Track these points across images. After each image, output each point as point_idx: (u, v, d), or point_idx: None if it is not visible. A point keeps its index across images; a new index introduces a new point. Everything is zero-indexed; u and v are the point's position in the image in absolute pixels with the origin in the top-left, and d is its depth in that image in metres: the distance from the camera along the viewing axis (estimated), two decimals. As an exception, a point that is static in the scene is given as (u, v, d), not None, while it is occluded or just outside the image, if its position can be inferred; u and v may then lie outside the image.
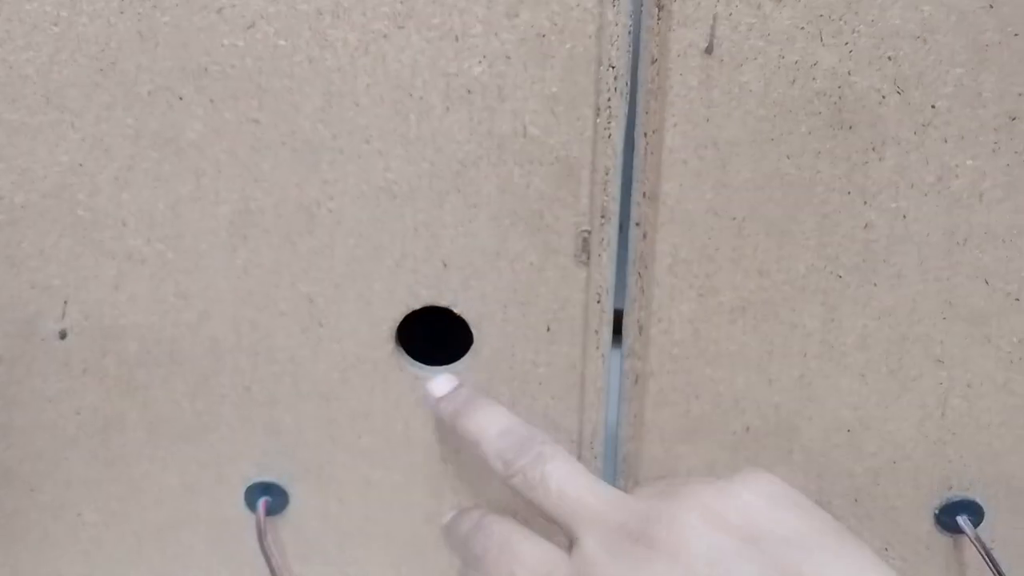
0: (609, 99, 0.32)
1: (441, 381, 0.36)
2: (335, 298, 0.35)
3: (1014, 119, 0.31)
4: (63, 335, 0.36)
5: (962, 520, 0.38)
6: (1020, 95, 0.31)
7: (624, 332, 0.37)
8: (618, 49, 0.31)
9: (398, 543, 0.41)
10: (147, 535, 0.40)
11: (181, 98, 0.32)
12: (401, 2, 0.30)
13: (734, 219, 0.34)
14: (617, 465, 0.39)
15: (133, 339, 0.36)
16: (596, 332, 0.36)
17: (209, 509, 0.40)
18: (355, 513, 0.40)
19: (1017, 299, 0.34)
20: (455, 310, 0.36)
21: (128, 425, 0.38)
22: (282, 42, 0.31)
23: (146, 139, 0.32)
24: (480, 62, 0.31)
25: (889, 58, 0.31)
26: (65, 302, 0.35)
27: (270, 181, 0.33)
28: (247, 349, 0.36)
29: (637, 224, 0.34)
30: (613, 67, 0.31)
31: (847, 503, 0.39)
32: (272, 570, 0.38)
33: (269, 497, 0.39)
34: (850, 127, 0.32)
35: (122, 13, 0.31)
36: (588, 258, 0.35)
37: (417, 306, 0.36)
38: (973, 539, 0.38)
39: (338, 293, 0.35)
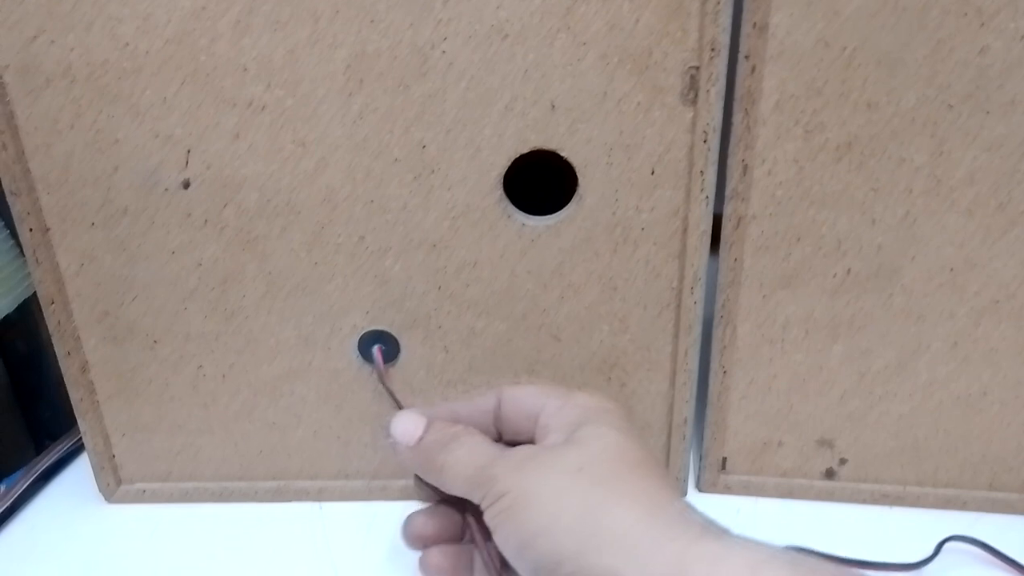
0: (722, -76, 0.32)
1: (408, 425, 0.33)
2: (446, 144, 0.36)
3: None
4: (186, 185, 0.37)
5: (1065, 360, 0.38)
6: None
7: (728, 173, 0.37)
8: None
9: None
10: (263, 387, 0.42)
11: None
12: None
13: (844, 49, 0.34)
14: (716, 311, 0.40)
15: (253, 189, 0.37)
16: (702, 173, 0.37)
17: (323, 360, 0.42)
18: (460, 363, 0.42)
19: None
20: (562, 154, 0.37)
21: (247, 277, 0.40)
22: None
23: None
24: None
25: None
26: (188, 151, 0.37)
27: (385, 22, 0.34)
28: (362, 197, 0.38)
29: (746, 57, 0.34)
30: None
31: (947, 347, 0.39)
32: (396, 403, 0.40)
33: (382, 345, 0.41)
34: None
35: None
36: (696, 96, 0.35)
37: (525, 150, 0.37)
38: (1075, 380, 0.38)
39: (449, 138, 0.36)
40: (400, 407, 0.39)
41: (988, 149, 0.35)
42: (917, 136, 0.35)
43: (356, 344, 0.41)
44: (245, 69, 0.35)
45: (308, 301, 0.40)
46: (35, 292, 0.40)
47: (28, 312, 0.49)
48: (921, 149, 0.35)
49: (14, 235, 0.43)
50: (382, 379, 0.40)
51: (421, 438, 0.33)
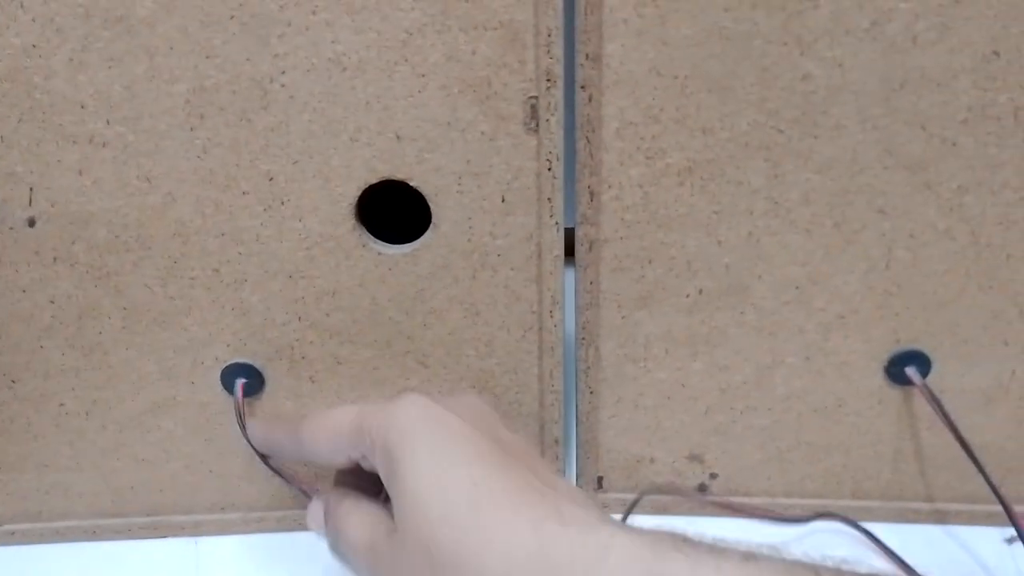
0: (547, -42, 0.32)
1: (316, 513, 0.36)
2: (294, 175, 0.36)
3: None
4: (31, 223, 0.37)
5: (911, 371, 0.39)
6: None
7: (576, 198, 0.38)
8: (554, -94, 0.32)
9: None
10: (129, 422, 0.42)
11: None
12: None
13: (676, 77, 0.35)
14: (577, 333, 0.41)
15: (101, 224, 0.37)
16: (549, 200, 0.37)
17: (187, 394, 0.41)
18: (327, 392, 0.42)
19: (955, 144, 0.35)
20: (411, 183, 0.37)
21: (103, 313, 0.39)
22: (223, -88, 0.32)
23: (97, 18, 0.33)
24: (419, -75, 0.32)
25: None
26: (31, 189, 0.36)
27: (221, 57, 0.34)
28: (213, 230, 0.37)
29: (583, 87, 0.35)
30: (549, -77, 0.32)
31: (800, 361, 0.40)
32: (255, 449, 0.40)
33: (245, 379, 0.40)
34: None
35: None
36: (537, 125, 0.36)
37: (374, 180, 0.37)
38: (922, 389, 0.39)
39: (297, 170, 0.36)
40: (260, 455, 0.39)
41: (819, 171, 0.36)
42: (752, 160, 0.36)
43: (219, 377, 0.41)
44: (83, 106, 0.35)
45: (167, 335, 0.40)
46: None
47: None
48: (757, 172, 0.36)
49: None
50: (239, 417, 0.39)
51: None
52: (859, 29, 0.33)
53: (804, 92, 0.34)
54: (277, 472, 0.39)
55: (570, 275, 0.40)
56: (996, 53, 0.33)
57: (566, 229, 0.38)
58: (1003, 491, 0.40)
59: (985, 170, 0.35)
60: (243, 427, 0.40)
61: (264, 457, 0.39)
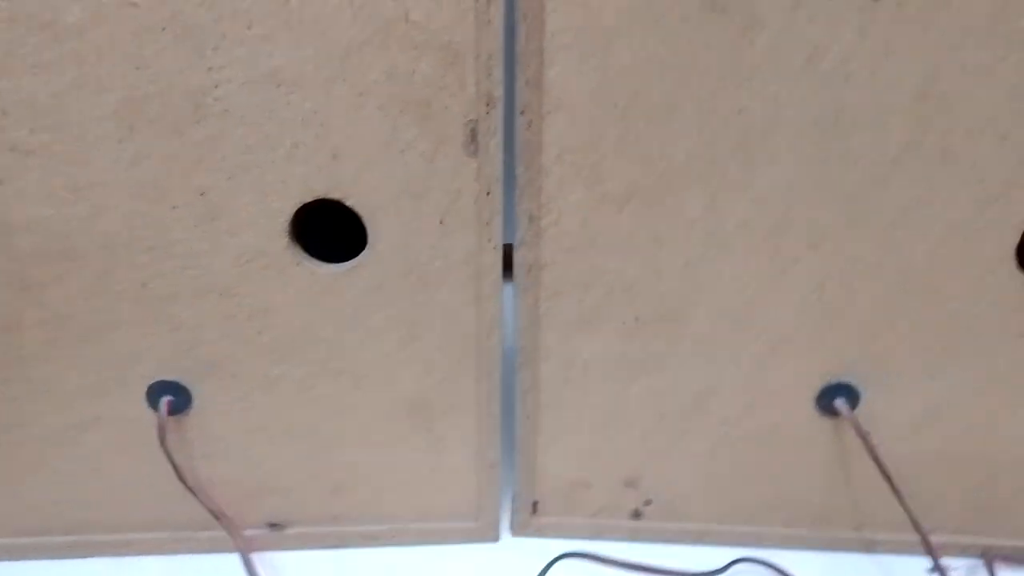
0: (488, -17, 0.32)
1: None
2: (228, 190, 0.36)
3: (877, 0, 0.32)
4: (-49, 231, 0.36)
5: (839, 403, 0.40)
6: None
7: (516, 222, 0.37)
8: (495, -69, 0.32)
9: (302, 438, 0.41)
10: (52, 438, 0.40)
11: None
12: None
13: (616, 106, 0.35)
14: (517, 354, 0.40)
15: (26, 234, 0.36)
16: (488, 223, 0.37)
17: (113, 410, 0.40)
18: (259, 410, 0.41)
19: (886, 180, 0.35)
20: (347, 203, 0.36)
21: (26, 325, 0.38)
22: (158, -78, 0.31)
23: (22, 23, 0.32)
24: (359, -56, 0.32)
25: (757, -60, 0.32)
26: (-48, 198, 0.35)
27: (154, 68, 0.33)
28: (142, 244, 0.36)
29: (522, 112, 0.35)
30: (490, -52, 0.32)
31: (734, 390, 0.41)
32: (174, 468, 0.39)
33: (172, 396, 0.39)
34: (722, 9, 0.33)
35: None
36: (477, 148, 0.35)
37: (310, 199, 0.36)
38: (850, 421, 0.40)
39: (231, 185, 0.36)
40: (178, 473, 0.38)
41: (755, 202, 0.36)
42: (690, 189, 0.36)
43: (145, 394, 0.40)
44: (5, 112, 0.33)
45: (93, 349, 0.38)
46: None
47: None
48: (695, 201, 0.36)
49: None
50: (162, 439, 0.38)
51: None
52: (794, 65, 0.33)
53: (741, 125, 0.35)
54: (192, 492, 0.38)
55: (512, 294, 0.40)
56: (925, 95, 0.34)
57: (505, 246, 0.38)
58: (931, 520, 0.41)
59: (915, 207, 0.36)
60: (164, 445, 0.39)
61: (182, 476, 0.38)
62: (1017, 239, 0.36)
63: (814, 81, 0.34)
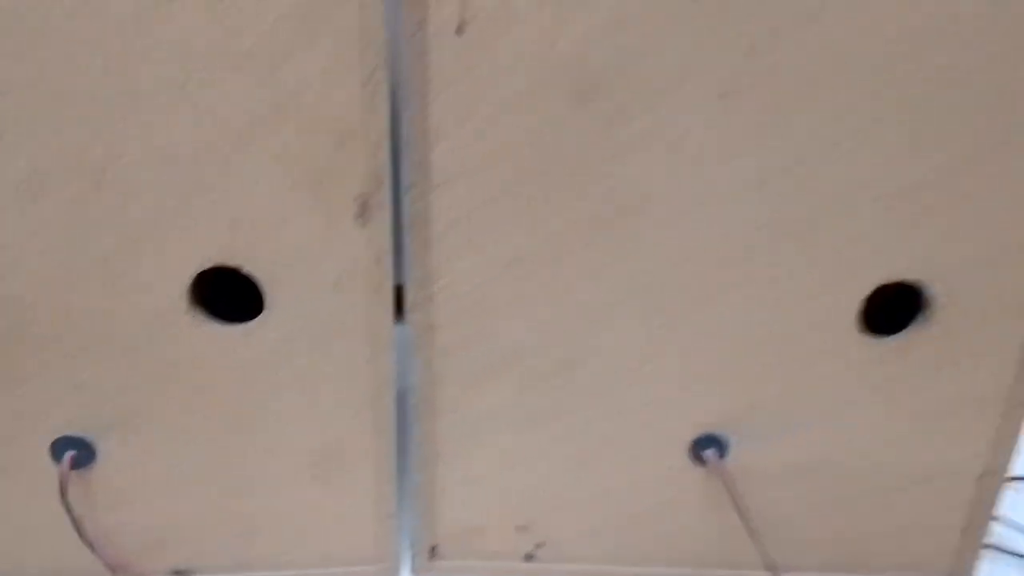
0: (374, 71, 0.35)
1: None
2: (129, 257, 0.38)
3: (724, 96, 0.36)
4: None
5: (708, 453, 0.43)
6: (728, 74, 0.36)
7: (407, 289, 0.40)
8: (380, 25, 0.34)
9: (207, 489, 0.43)
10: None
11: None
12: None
13: (498, 180, 0.38)
14: (410, 411, 0.43)
15: (-74, 298, 0.37)
16: (378, 290, 0.39)
17: (16, 461, 0.41)
18: (162, 465, 0.42)
19: (751, 248, 0.39)
20: (243, 270, 0.38)
21: (-73, 383, 0.39)
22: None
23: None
24: (254, 30, 0.34)
25: (622, 36, 0.35)
26: None
27: (56, 143, 0.35)
28: (48, 304, 0.38)
29: (412, 186, 0.38)
30: (374, 42, 0.34)
31: (618, 440, 0.44)
32: (73, 522, 0.40)
33: (75, 451, 0.41)
34: (592, 98, 0.36)
35: None
36: (367, 220, 0.38)
37: (208, 266, 0.38)
38: (717, 469, 0.43)
39: (132, 251, 0.37)
40: (77, 527, 0.39)
41: (632, 269, 0.39)
42: (572, 255, 0.39)
43: (49, 448, 0.41)
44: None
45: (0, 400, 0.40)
46: None
47: None
48: (577, 267, 0.39)
49: None
50: (63, 493, 0.40)
51: None
52: (659, 148, 0.37)
53: (614, 199, 0.38)
54: (90, 545, 0.40)
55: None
56: (768, 180, 0.37)
57: (397, 287, 0.40)
58: (796, 559, 0.44)
59: (772, 280, 0.40)
60: (65, 499, 0.40)
61: (80, 530, 0.39)
62: (859, 307, 0.40)
63: (677, 162, 0.37)
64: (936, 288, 0.40)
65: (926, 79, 0.36)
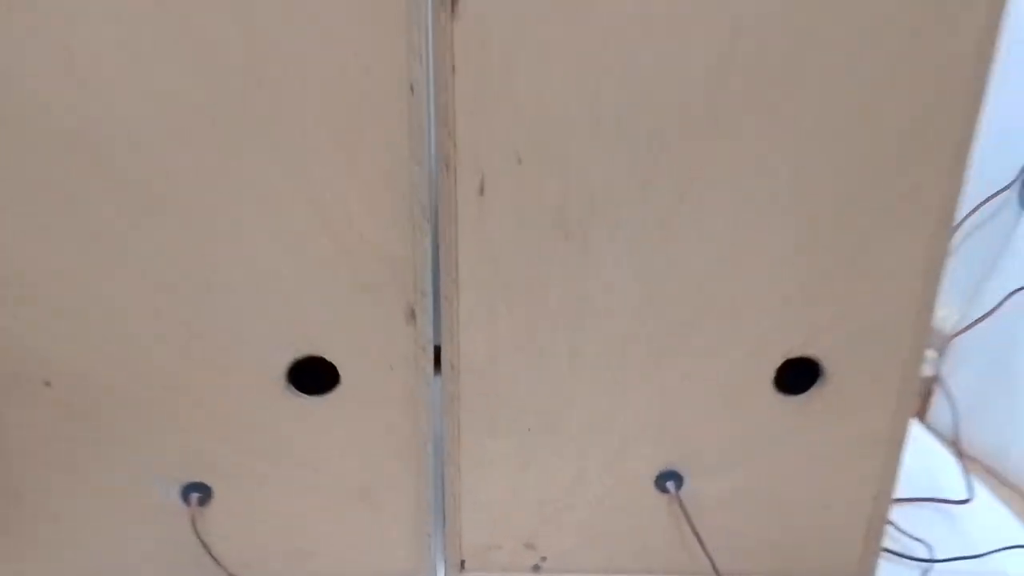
0: (422, 223, 0.50)
1: None
2: (244, 349, 0.52)
3: (663, 221, 0.51)
4: (48, 383, 0.51)
5: (670, 485, 0.57)
6: (662, 214, 0.50)
7: (442, 365, 0.55)
8: (424, 192, 0.49)
9: (284, 516, 0.57)
10: (101, 530, 0.55)
11: (81, 176, 0.48)
12: (276, 165, 0.48)
13: (504, 291, 0.52)
14: (444, 456, 0.57)
15: (74, 379, 0.51)
16: (422, 370, 0.54)
17: (152, 505, 0.55)
18: (265, 507, 0.56)
19: (691, 329, 0.53)
20: (326, 357, 0.53)
21: (89, 442, 0.53)
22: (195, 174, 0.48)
23: (57, 200, 0.48)
24: (332, 196, 0.49)
25: (588, 192, 0.50)
26: (49, 363, 0.51)
27: (180, 266, 0.50)
28: (178, 384, 0.52)
29: (446, 298, 0.52)
30: (419, 201, 0.49)
31: (599, 475, 0.58)
32: (203, 545, 0.54)
33: (199, 493, 0.55)
34: (568, 232, 0.51)
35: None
36: (415, 320, 0.53)
37: (301, 356, 0.53)
38: (676, 499, 0.57)
39: (246, 344, 0.52)
40: (204, 546, 0.53)
41: (607, 346, 0.54)
42: (557, 340, 0.54)
43: (179, 492, 0.55)
44: (53, 280, 0.50)
45: (137, 459, 0.54)
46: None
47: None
48: (561, 348, 0.54)
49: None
50: (194, 524, 0.54)
51: None
52: (620, 268, 0.52)
53: (590, 305, 0.53)
54: (215, 559, 0.53)
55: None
56: (698, 286, 0.52)
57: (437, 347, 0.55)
58: (741, 568, 0.58)
59: (708, 352, 0.54)
60: (195, 528, 0.54)
61: (211, 554, 0.53)
62: (773, 374, 0.55)
63: (625, 276, 0.52)
64: (827, 361, 0.55)
65: (810, 207, 0.51)
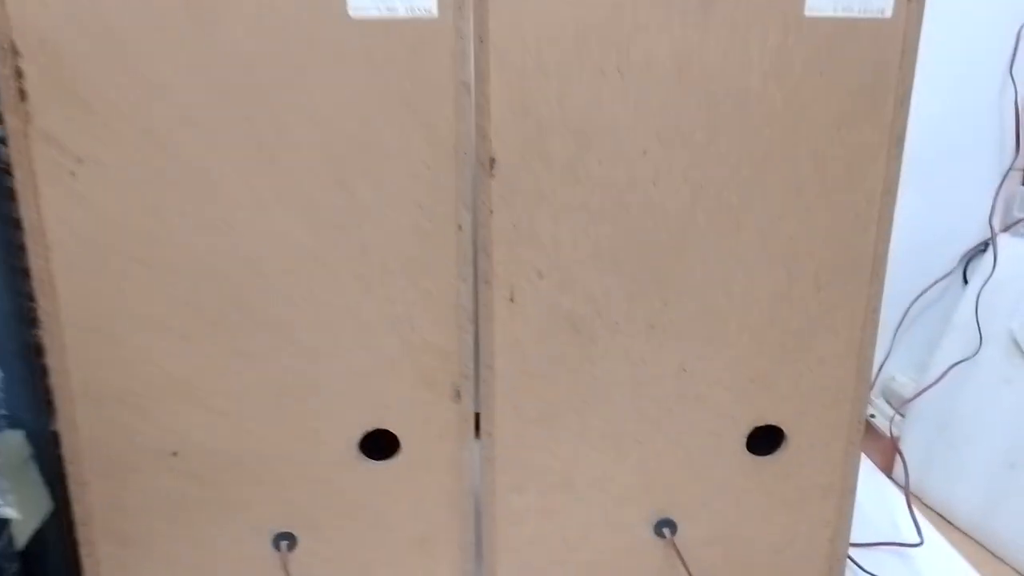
0: (465, 323, 0.65)
1: None
2: (324, 423, 0.66)
3: (650, 323, 0.65)
4: (175, 453, 0.65)
5: (666, 531, 0.71)
6: (652, 315, 0.65)
7: (480, 434, 0.69)
8: (468, 302, 0.64)
9: (354, 561, 0.71)
10: (202, 573, 0.69)
11: (213, 298, 0.63)
12: (358, 279, 0.63)
13: (529, 376, 0.67)
14: (481, 508, 0.71)
15: (211, 453, 0.66)
16: (464, 437, 0.68)
17: (245, 553, 0.69)
18: (342, 553, 0.70)
19: (671, 409, 0.68)
20: (392, 430, 0.67)
21: (198, 499, 0.67)
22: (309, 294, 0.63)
23: (194, 315, 0.63)
24: (402, 307, 0.64)
25: (593, 301, 0.65)
26: (178, 438, 0.65)
27: (286, 361, 0.65)
28: (267, 455, 0.67)
29: (483, 380, 0.67)
30: (466, 307, 0.64)
31: (604, 524, 0.71)
32: (290, 582, 0.67)
33: (287, 541, 0.69)
34: (578, 331, 0.66)
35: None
36: (459, 398, 0.67)
37: (371, 429, 0.67)
38: (671, 541, 0.71)
39: (325, 419, 0.66)
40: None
41: (615, 415, 0.68)
42: (570, 416, 0.68)
43: (271, 538, 0.69)
44: (191, 382, 0.64)
45: (240, 516, 0.68)
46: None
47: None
48: (572, 423, 0.68)
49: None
50: (285, 566, 0.67)
51: None
52: (624, 360, 0.66)
53: (595, 382, 0.67)
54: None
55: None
56: (681, 369, 0.67)
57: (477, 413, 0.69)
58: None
59: (693, 423, 0.68)
60: (287, 570, 0.68)
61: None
62: (746, 437, 0.69)
63: (625, 366, 0.66)
64: (788, 428, 0.69)
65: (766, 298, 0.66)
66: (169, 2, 0.56)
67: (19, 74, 0.52)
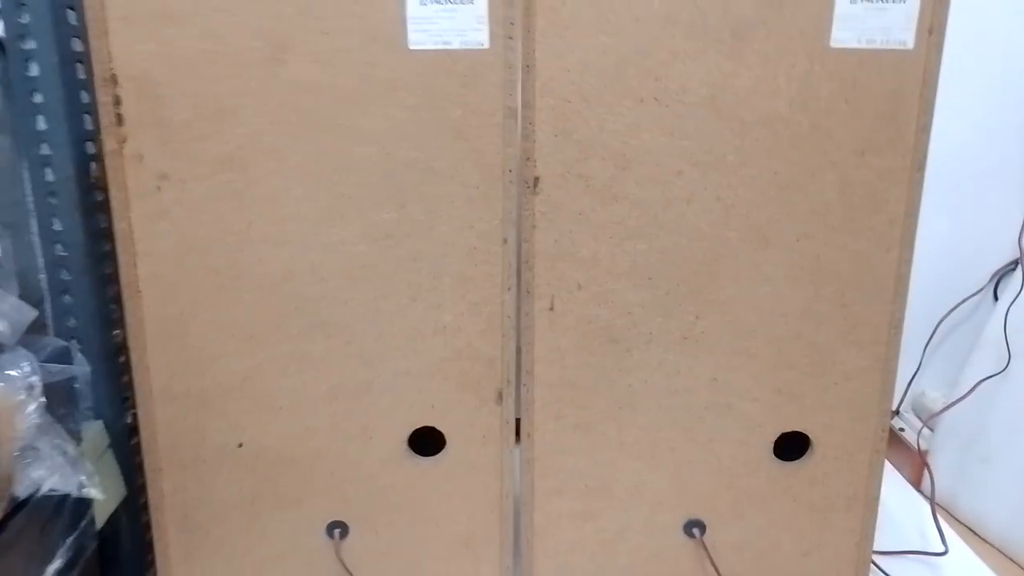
0: (508, 331, 0.69)
1: None
2: (376, 420, 0.72)
3: (683, 335, 0.69)
4: (240, 445, 0.71)
5: (695, 531, 0.74)
6: (685, 328, 0.69)
7: (521, 437, 0.73)
8: (511, 310, 0.69)
9: (402, 556, 0.75)
10: (265, 557, 0.74)
11: (279, 307, 0.69)
12: (409, 294, 0.68)
13: (567, 383, 0.71)
14: (520, 510, 0.75)
15: (273, 447, 0.71)
16: (507, 440, 0.73)
17: (301, 542, 0.74)
18: (381, 537, 0.75)
19: (703, 419, 0.71)
20: (438, 428, 0.72)
21: (263, 490, 0.73)
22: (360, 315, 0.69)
23: (262, 322, 0.69)
24: (450, 316, 0.69)
25: (629, 313, 0.69)
26: (243, 431, 0.71)
27: (344, 363, 0.70)
28: (328, 450, 0.72)
29: (524, 385, 0.72)
30: (509, 316, 0.69)
31: (639, 527, 0.75)
32: (343, 565, 0.72)
33: (340, 529, 0.74)
34: (615, 341, 0.70)
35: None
36: (502, 402, 0.72)
37: (419, 426, 0.72)
38: (701, 542, 0.74)
39: (378, 417, 0.71)
40: (344, 566, 0.72)
41: (648, 429, 0.72)
42: (604, 423, 0.72)
43: (324, 528, 0.74)
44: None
45: (299, 507, 0.73)
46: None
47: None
48: (608, 430, 0.72)
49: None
50: (338, 552, 0.73)
51: None
52: (656, 371, 0.70)
53: (632, 392, 0.71)
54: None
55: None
56: (712, 379, 0.71)
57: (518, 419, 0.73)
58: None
59: (722, 430, 0.72)
60: (339, 555, 0.73)
61: (348, 571, 0.72)
62: (772, 446, 0.72)
63: (655, 378, 0.70)
64: (814, 435, 0.72)
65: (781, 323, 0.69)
66: (245, 39, 0.61)
67: (118, 102, 0.58)
